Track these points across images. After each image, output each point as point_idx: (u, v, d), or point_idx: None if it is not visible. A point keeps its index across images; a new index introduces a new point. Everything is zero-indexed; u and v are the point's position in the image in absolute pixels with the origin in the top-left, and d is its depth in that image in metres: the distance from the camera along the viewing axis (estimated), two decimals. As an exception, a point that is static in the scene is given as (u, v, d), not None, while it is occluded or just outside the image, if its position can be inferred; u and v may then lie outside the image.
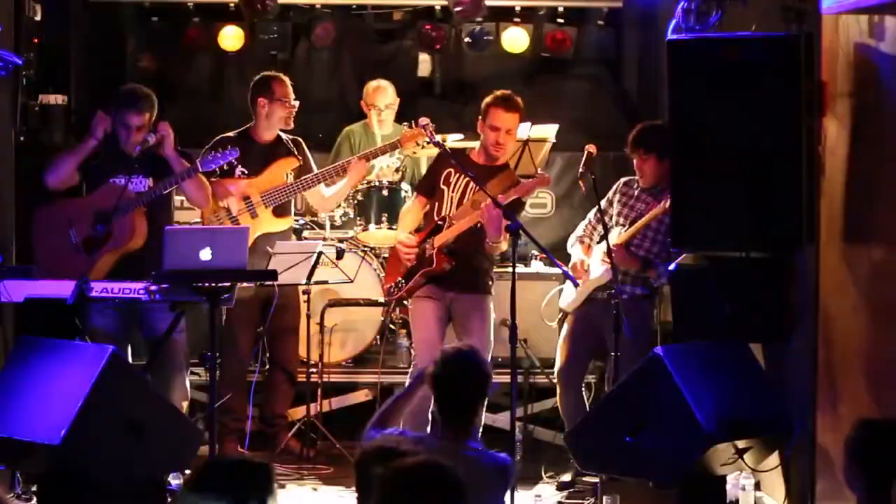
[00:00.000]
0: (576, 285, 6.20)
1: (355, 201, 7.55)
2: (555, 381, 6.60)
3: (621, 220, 6.39)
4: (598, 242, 6.36)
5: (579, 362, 6.53)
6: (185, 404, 6.33)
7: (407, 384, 4.89)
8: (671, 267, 5.71)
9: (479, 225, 6.11)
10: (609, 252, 5.97)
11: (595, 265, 6.37)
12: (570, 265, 6.44)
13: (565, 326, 6.56)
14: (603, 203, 6.41)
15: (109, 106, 6.41)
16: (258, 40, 8.89)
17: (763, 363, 5.86)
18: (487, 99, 6.27)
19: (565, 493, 6.43)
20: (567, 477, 6.51)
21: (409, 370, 6.40)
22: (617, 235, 6.30)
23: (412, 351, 7.45)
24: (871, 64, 5.03)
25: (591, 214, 6.57)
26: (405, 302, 6.69)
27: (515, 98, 6.26)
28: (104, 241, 6.19)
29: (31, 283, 5.85)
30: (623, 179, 6.53)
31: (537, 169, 7.36)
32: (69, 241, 6.26)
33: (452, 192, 6.28)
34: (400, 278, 6.36)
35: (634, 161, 6.39)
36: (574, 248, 6.57)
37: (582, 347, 6.48)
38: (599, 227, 6.32)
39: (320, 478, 6.58)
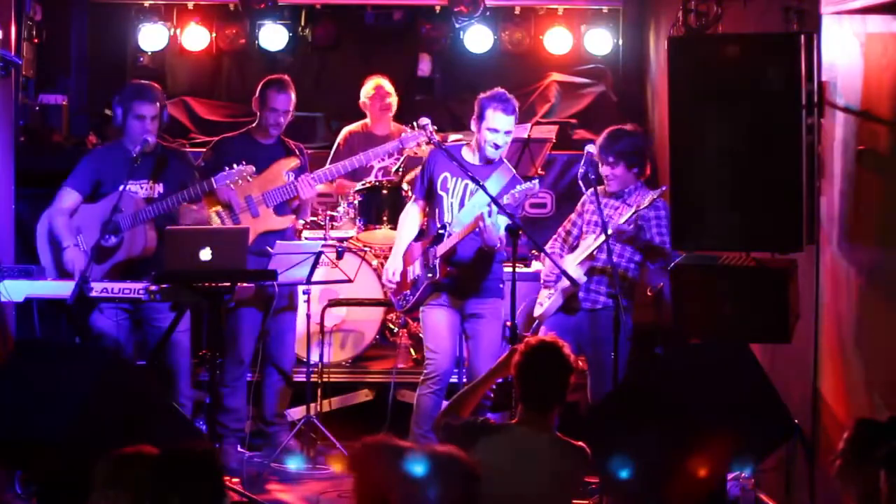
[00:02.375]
0: (576, 285, 6.17)
1: (356, 201, 7.54)
2: None
3: (591, 228, 6.31)
4: (570, 252, 6.31)
5: None
6: (188, 404, 6.35)
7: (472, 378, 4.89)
8: (670, 267, 5.69)
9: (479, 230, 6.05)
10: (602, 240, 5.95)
11: (570, 269, 6.26)
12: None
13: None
14: (573, 216, 6.43)
15: (116, 103, 6.41)
16: (258, 40, 8.90)
17: (763, 363, 5.86)
18: (483, 98, 6.13)
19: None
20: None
21: (420, 377, 6.32)
22: (593, 240, 6.20)
23: (412, 351, 7.47)
24: (871, 64, 5.03)
25: (560, 228, 6.54)
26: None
27: (512, 99, 6.15)
28: (115, 250, 6.20)
29: (31, 283, 5.85)
30: (587, 193, 6.34)
31: (537, 169, 7.36)
32: (78, 248, 6.26)
33: (452, 197, 6.19)
34: (406, 291, 6.32)
35: (601, 166, 6.25)
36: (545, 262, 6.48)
37: None
38: (574, 231, 6.33)
39: (320, 478, 6.58)
